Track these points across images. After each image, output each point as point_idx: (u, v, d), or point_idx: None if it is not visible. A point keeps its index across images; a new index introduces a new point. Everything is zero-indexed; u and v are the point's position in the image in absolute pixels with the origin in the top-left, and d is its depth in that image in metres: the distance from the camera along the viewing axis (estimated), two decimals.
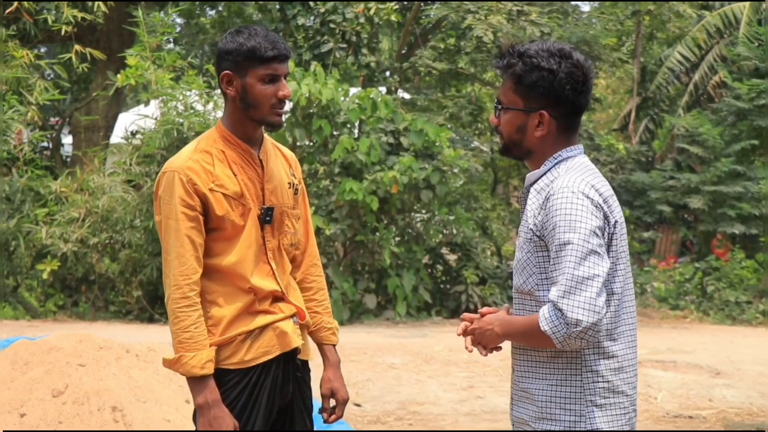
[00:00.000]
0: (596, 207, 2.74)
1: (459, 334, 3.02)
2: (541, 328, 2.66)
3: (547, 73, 2.81)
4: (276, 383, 3.26)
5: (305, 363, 3.42)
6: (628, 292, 2.88)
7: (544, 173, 2.89)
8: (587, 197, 2.73)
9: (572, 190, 2.73)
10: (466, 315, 3.04)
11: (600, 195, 2.78)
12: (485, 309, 3.02)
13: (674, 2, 17.88)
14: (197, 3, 20.82)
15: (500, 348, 2.98)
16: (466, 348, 2.99)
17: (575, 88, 2.84)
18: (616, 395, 2.82)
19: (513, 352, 2.98)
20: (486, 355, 3.00)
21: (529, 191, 2.91)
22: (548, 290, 2.78)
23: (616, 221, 2.81)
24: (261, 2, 17.81)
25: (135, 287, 13.00)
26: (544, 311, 2.68)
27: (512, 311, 2.99)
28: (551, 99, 2.84)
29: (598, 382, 2.79)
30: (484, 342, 2.95)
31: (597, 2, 23.16)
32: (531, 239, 2.82)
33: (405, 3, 21.04)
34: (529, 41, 2.93)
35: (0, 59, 12.71)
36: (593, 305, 2.62)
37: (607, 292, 2.76)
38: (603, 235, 2.74)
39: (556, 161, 2.88)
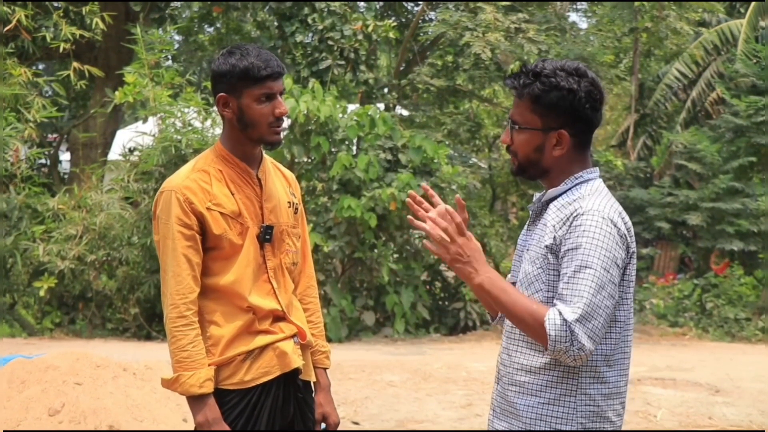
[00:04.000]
0: (621, 237, 2.74)
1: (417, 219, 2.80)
2: (546, 330, 2.63)
3: (567, 92, 2.79)
4: (276, 404, 3.24)
5: (307, 383, 3.40)
6: (630, 320, 2.88)
7: (565, 191, 2.85)
8: (615, 226, 2.72)
9: (603, 215, 2.72)
10: (431, 193, 2.87)
11: (625, 224, 2.78)
12: (459, 198, 2.84)
13: (675, 7, 17.88)
14: (196, 20, 20.85)
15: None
16: (415, 223, 2.79)
17: (593, 106, 2.83)
18: (602, 421, 2.79)
19: (501, 363, 2.94)
20: (434, 251, 2.78)
21: (547, 206, 2.87)
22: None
23: (633, 251, 2.82)
24: (259, 19, 17.85)
25: (132, 305, 12.96)
26: (555, 318, 2.63)
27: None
28: (570, 118, 2.82)
29: (588, 405, 2.77)
30: (452, 266, 2.76)
31: (595, 19, 23.22)
32: (545, 256, 2.78)
33: (403, 20, 21.10)
34: (541, 60, 2.90)
35: (0, 77, 12.72)
36: (598, 335, 2.66)
37: (613, 318, 2.79)
38: (620, 266, 2.74)
39: (577, 181, 2.85)
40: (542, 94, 2.81)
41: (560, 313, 2.64)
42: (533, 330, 2.69)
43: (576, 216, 2.74)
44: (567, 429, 2.76)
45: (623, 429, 2.89)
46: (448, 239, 2.75)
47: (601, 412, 2.78)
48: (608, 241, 2.69)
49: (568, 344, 2.62)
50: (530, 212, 2.97)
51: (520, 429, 2.81)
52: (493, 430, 2.93)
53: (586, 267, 2.66)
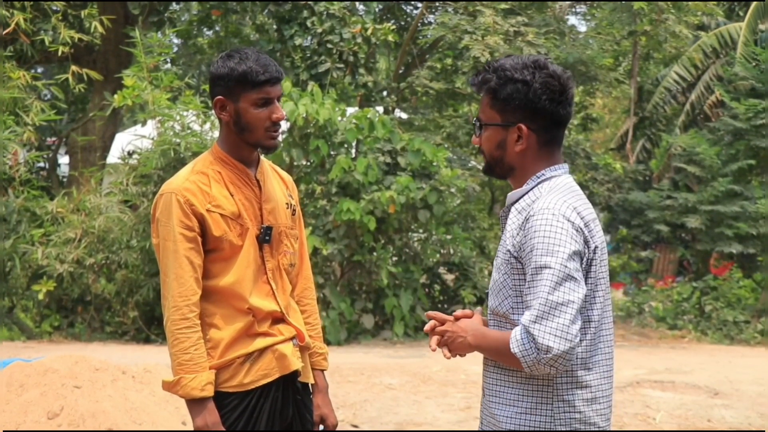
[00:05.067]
0: (577, 231, 2.67)
1: (426, 331, 2.95)
2: (511, 350, 2.61)
3: (521, 84, 2.76)
4: (275, 406, 3.24)
5: (305, 386, 3.41)
6: (607, 320, 2.81)
7: (526, 192, 2.82)
8: (568, 220, 2.66)
9: (553, 212, 2.67)
10: (434, 314, 2.96)
11: (582, 219, 2.72)
12: (459, 312, 2.96)
13: (674, 10, 17.90)
14: (195, 23, 20.86)
15: (464, 355, 2.92)
16: (430, 347, 2.93)
17: (552, 98, 2.77)
18: (587, 426, 2.73)
19: (484, 375, 2.92)
20: (449, 358, 2.94)
21: (510, 210, 2.84)
22: (522, 314, 2.71)
23: (596, 246, 2.74)
24: (258, 22, 17.85)
25: (131, 308, 12.95)
26: (516, 333, 2.62)
27: (485, 318, 2.94)
28: (528, 111, 2.78)
29: (569, 412, 2.71)
30: (453, 348, 2.89)
31: (594, 22, 23.23)
32: (508, 261, 2.75)
33: (402, 23, 21.11)
34: (505, 57, 2.88)
35: (0, 80, 12.72)
36: (565, 332, 2.55)
37: (584, 319, 2.69)
38: (582, 260, 2.67)
39: (539, 180, 2.81)
40: (498, 88, 2.80)
41: (520, 326, 2.62)
42: (509, 358, 2.66)
43: (528, 219, 2.70)
44: None
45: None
46: (440, 336, 2.92)
47: (585, 419, 2.73)
48: (560, 236, 2.63)
49: (534, 353, 2.57)
50: (500, 219, 2.94)
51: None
52: None
53: (542, 267, 2.61)
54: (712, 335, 15.10)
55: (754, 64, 17.95)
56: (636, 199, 18.50)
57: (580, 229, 2.69)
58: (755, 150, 16.89)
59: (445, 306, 14.90)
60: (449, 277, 15.40)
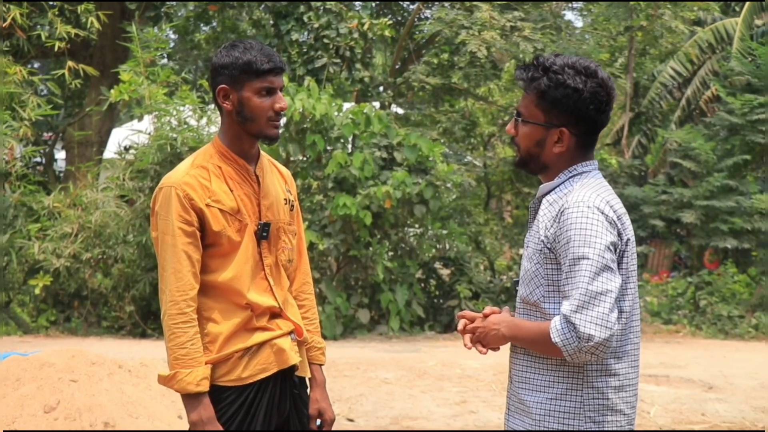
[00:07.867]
0: (610, 223, 2.74)
1: (459, 332, 3.02)
2: (552, 340, 2.67)
3: (572, 91, 2.80)
4: (273, 400, 3.26)
5: (302, 380, 3.42)
6: (636, 311, 2.87)
7: (558, 185, 2.88)
8: (602, 213, 2.74)
9: (587, 204, 2.73)
10: (464, 313, 3.03)
11: (614, 211, 2.79)
12: (489, 309, 3.01)
13: (670, 5, 17.90)
14: (191, 19, 20.84)
15: (498, 348, 2.98)
16: (465, 345, 2.98)
17: (598, 108, 2.84)
18: (614, 414, 2.80)
19: (512, 362, 2.97)
20: (485, 353, 2.99)
21: (540, 202, 2.90)
22: (555, 302, 2.78)
23: (628, 239, 2.82)
24: (255, 17, 17.85)
25: (128, 302, 12.96)
26: (556, 323, 2.67)
27: (514, 314, 2.99)
28: (573, 117, 2.83)
29: (597, 399, 2.78)
30: (487, 341, 2.95)
31: (590, 17, 23.24)
32: (541, 251, 2.81)
33: (399, 18, 21.10)
34: (554, 54, 2.91)
35: (0, 76, 12.72)
36: (606, 320, 2.62)
37: (617, 309, 2.75)
38: (615, 251, 2.74)
39: (570, 175, 2.88)
40: (547, 90, 2.83)
41: (560, 315, 2.68)
42: (548, 347, 2.72)
43: (563, 212, 2.76)
44: (575, 423, 2.77)
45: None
46: (471, 333, 2.99)
47: (613, 406, 2.80)
48: (596, 228, 2.70)
49: (575, 342, 2.63)
50: (530, 210, 3.00)
51: (531, 427, 2.84)
52: (509, 430, 2.96)
53: (580, 258, 2.67)
54: (707, 330, 15.13)
55: (750, 59, 17.96)
56: (631, 194, 18.50)
57: (614, 221, 2.77)
58: (751, 145, 16.92)
59: (441, 301, 14.93)
60: (445, 272, 15.41)
